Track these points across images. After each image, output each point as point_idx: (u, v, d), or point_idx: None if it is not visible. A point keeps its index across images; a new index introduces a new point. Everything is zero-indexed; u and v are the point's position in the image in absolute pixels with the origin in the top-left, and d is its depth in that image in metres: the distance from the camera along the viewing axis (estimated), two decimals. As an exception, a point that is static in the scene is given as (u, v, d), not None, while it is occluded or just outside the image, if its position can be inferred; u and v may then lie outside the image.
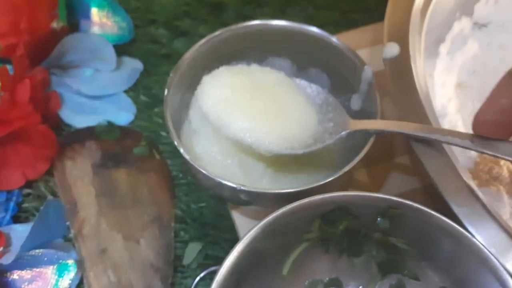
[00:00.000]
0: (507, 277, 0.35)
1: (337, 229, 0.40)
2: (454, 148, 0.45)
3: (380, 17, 0.48)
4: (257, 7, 0.63)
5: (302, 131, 0.44)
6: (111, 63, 0.55)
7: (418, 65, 0.45)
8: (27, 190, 0.51)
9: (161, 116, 0.54)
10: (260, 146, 0.42)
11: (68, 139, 0.52)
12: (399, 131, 0.40)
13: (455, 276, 0.39)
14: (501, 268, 0.35)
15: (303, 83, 0.48)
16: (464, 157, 0.46)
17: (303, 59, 0.50)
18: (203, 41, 0.47)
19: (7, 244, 0.46)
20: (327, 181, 0.41)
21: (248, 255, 0.37)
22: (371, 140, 0.42)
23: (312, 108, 0.46)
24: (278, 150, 0.42)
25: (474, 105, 0.50)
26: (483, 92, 0.51)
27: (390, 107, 0.46)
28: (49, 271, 0.45)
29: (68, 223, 0.48)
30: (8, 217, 0.48)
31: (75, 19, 0.57)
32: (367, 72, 0.45)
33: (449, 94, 0.51)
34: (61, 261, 0.45)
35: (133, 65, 0.57)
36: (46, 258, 0.45)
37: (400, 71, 0.44)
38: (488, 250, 0.35)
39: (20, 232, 0.46)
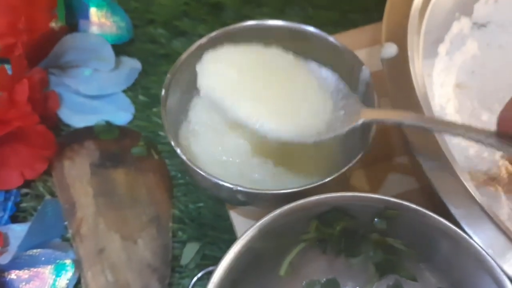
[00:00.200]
0: (504, 278, 0.35)
1: (334, 229, 0.40)
2: (453, 149, 0.45)
3: (379, 17, 0.48)
4: (256, 7, 0.63)
5: (315, 119, 0.41)
6: (110, 63, 0.55)
7: (416, 66, 0.45)
8: (25, 190, 0.51)
9: (160, 116, 0.54)
10: (268, 132, 0.39)
11: (67, 139, 0.52)
12: (418, 124, 0.38)
13: (452, 277, 0.39)
14: (498, 270, 0.35)
15: (313, 65, 0.45)
16: (462, 158, 0.45)
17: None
18: (200, 41, 0.47)
19: (5, 244, 0.46)
20: (324, 181, 0.41)
21: (244, 256, 0.37)
22: (370, 141, 0.42)
23: (326, 94, 0.43)
24: (288, 137, 0.39)
25: (473, 105, 0.50)
26: (482, 93, 0.51)
27: (388, 108, 0.45)
28: (47, 271, 0.45)
29: (66, 223, 0.48)
30: (6, 216, 0.48)
31: (74, 19, 0.57)
32: (365, 73, 0.45)
33: (448, 94, 0.50)
34: (58, 261, 0.45)
35: (132, 65, 0.57)
36: (43, 258, 0.45)
37: (398, 72, 0.44)
38: (485, 251, 0.35)
39: (18, 232, 0.46)
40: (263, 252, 0.40)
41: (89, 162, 0.51)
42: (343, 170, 0.41)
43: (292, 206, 0.38)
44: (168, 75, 0.46)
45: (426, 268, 0.40)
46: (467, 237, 0.36)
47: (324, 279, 0.43)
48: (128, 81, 0.56)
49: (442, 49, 0.53)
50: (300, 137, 0.40)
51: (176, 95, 0.47)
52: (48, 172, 0.51)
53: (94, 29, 0.57)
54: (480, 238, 0.36)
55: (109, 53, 0.55)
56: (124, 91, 0.56)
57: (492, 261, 0.35)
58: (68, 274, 0.45)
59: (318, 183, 0.41)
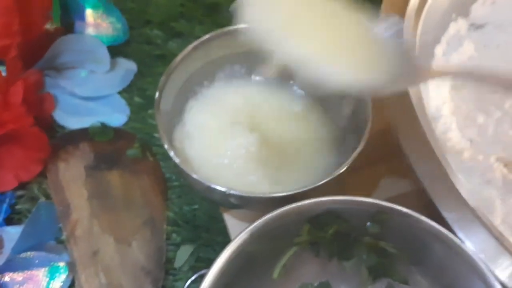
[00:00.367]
0: (496, 283, 0.34)
1: (327, 233, 0.40)
2: (447, 152, 0.45)
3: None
4: (253, 8, 0.63)
5: (374, 67, 0.35)
6: (105, 64, 0.55)
7: (411, 68, 0.45)
8: (20, 192, 0.51)
9: (155, 117, 0.54)
10: (324, 77, 0.33)
11: (62, 140, 0.52)
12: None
13: (444, 281, 0.39)
14: (489, 274, 0.35)
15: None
16: (457, 161, 0.45)
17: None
18: (194, 44, 0.47)
19: (-1, 246, 0.46)
20: (317, 185, 0.41)
21: (237, 259, 0.37)
22: (362, 143, 0.42)
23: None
24: (345, 83, 0.33)
25: (469, 107, 0.50)
26: (479, 95, 0.51)
27: (382, 111, 0.45)
28: (41, 274, 0.45)
29: (60, 225, 0.48)
30: (0, 219, 0.48)
31: (70, 20, 0.57)
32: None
33: (444, 96, 0.50)
34: (52, 263, 0.45)
35: (127, 67, 0.57)
36: (37, 261, 0.45)
37: (392, 74, 0.43)
38: (477, 256, 0.35)
39: (12, 234, 0.46)
40: (256, 255, 0.40)
41: (84, 164, 0.51)
42: (336, 173, 0.41)
43: (284, 210, 0.38)
44: (163, 77, 0.46)
45: (418, 271, 0.40)
46: (458, 241, 0.36)
47: (317, 282, 0.43)
48: (124, 82, 0.56)
49: (439, 50, 0.52)
50: (359, 85, 0.34)
51: (171, 97, 0.47)
52: (43, 174, 0.51)
53: (90, 30, 0.57)
54: (472, 242, 0.36)
55: (104, 54, 0.55)
56: (120, 93, 0.56)
57: (483, 266, 0.35)
58: (61, 277, 0.45)
59: (311, 187, 0.41)
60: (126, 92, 0.56)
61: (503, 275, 0.35)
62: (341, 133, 0.49)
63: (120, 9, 0.59)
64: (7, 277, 0.44)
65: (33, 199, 0.50)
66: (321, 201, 0.38)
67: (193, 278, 0.46)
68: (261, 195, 0.41)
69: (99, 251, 0.46)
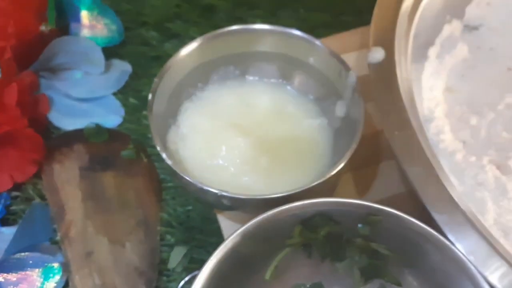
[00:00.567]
0: (485, 285, 0.35)
1: (319, 234, 0.40)
2: (439, 154, 0.45)
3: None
4: (249, 9, 0.63)
5: None
6: (100, 66, 0.55)
7: (404, 70, 0.45)
8: (15, 193, 0.51)
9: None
10: None
11: (57, 142, 0.53)
12: None
13: (435, 283, 0.39)
14: (479, 276, 0.35)
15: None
16: (449, 163, 0.45)
17: (289, 64, 0.50)
18: (188, 46, 0.48)
19: (-7, 247, 0.46)
20: (310, 186, 0.41)
21: (229, 260, 0.38)
22: (354, 146, 0.42)
23: None
24: None
25: (462, 109, 0.50)
26: (472, 97, 0.51)
27: (375, 113, 0.45)
28: (35, 274, 0.45)
29: (55, 226, 0.48)
30: (-5, 220, 0.48)
31: (65, 22, 0.57)
32: (351, 77, 0.45)
33: (437, 98, 0.50)
34: (46, 264, 0.46)
35: (122, 68, 0.57)
36: (31, 261, 0.45)
37: (384, 76, 0.44)
38: (466, 258, 0.35)
39: (6, 235, 0.46)
40: (249, 256, 0.40)
41: (79, 165, 0.51)
42: (328, 175, 0.41)
43: (275, 212, 0.38)
44: (156, 79, 0.46)
45: (410, 272, 0.40)
46: (448, 243, 0.36)
47: (310, 284, 0.43)
48: (119, 84, 0.56)
49: (432, 52, 0.53)
50: None
51: (165, 99, 0.47)
52: (38, 175, 0.51)
53: (85, 32, 0.57)
54: (462, 244, 0.36)
55: (99, 56, 0.55)
56: (115, 94, 0.56)
57: (473, 268, 0.35)
58: (55, 278, 0.45)
59: (304, 188, 0.41)
60: (121, 93, 0.57)
61: (493, 277, 0.36)
62: (336, 134, 0.49)
63: (116, 10, 0.59)
64: (1, 278, 0.45)
65: (28, 200, 0.51)
66: (312, 203, 0.38)
67: (186, 279, 0.46)
68: (253, 197, 0.41)
69: (93, 252, 0.47)
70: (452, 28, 0.54)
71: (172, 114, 0.49)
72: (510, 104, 0.50)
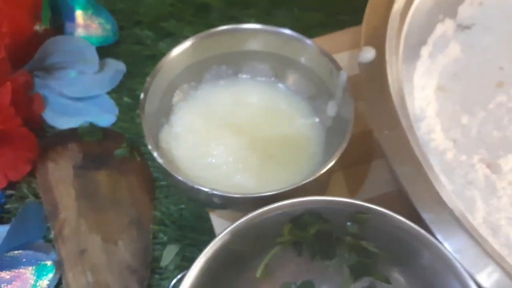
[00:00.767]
0: (471, 283, 0.35)
1: (308, 232, 0.40)
2: (430, 153, 0.45)
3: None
4: (243, 9, 0.63)
5: None
6: (94, 65, 0.55)
7: (394, 70, 0.45)
8: (10, 192, 0.51)
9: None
10: None
11: (51, 141, 0.53)
12: None
13: (424, 281, 0.39)
14: (466, 274, 0.35)
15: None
16: (439, 162, 0.46)
17: (281, 63, 0.50)
18: (180, 46, 0.48)
19: (-13, 245, 0.46)
20: (300, 185, 0.41)
21: (219, 259, 0.38)
22: (343, 145, 0.42)
23: None
24: None
25: (454, 108, 0.50)
26: (464, 96, 0.51)
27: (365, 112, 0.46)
28: (28, 272, 0.46)
29: (49, 224, 0.49)
30: (-11, 218, 0.49)
31: (60, 22, 0.58)
32: (342, 77, 0.46)
33: (429, 97, 0.50)
34: (40, 262, 0.46)
35: (116, 67, 0.57)
36: (25, 259, 0.46)
37: (375, 76, 0.44)
38: (453, 256, 0.36)
39: (0, 233, 0.47)
40: (239, 254, 0.40)
41: (73, 164, 0.51)
42: (318, 174, 0.42)
43: (264, 210, 0.38)
44: (148, 79, 0.46)
45: (399, 270, 0.41)
46: (436, 241, 0.36)
47: (300, 281, 0.43)
48: (113, 83, 0.56)
49: (425, 51, 0.53)
50: None
51: (157, 98, 0.48)
52: (32, 174, 0.52)
53: (80, 31, 0.58)
54: (449, 243, 0.36)
55: (93, 55, 0.55)
56: (109, 93, 0.56)
57: (459, 266, 0.35)
58: (49, 275, 0.46)
59: (294, 187, 0.41)
60: (116, 93, 0.57)
61: (480, 276, 0.36)
62: (327, 133, 0.49)
63: (110, 9, 0.60)
64: (-6, 276, 0.45)
65: (23, 199, 0.51)
66: (301, 201, 0.38)
67: (178, 277, 0.46)
68: (243, 195, 0.41)
69: (87, 250, 0.47)
70: (445, 27, 0.55)
71: (165, 113, 0.49)
72: (501, 103, 0.50)
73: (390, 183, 0.49)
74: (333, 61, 0.47)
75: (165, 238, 0.49)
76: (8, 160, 0.50)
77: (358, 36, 0.59)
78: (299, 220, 0.40)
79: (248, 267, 0.41)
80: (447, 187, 0.43)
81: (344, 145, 0.42)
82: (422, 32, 0.53)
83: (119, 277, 0.46)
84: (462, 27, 0.56)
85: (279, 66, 0.51)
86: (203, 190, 0.41)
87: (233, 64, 0.51)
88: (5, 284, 0.45)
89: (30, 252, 0.46)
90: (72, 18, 0.58)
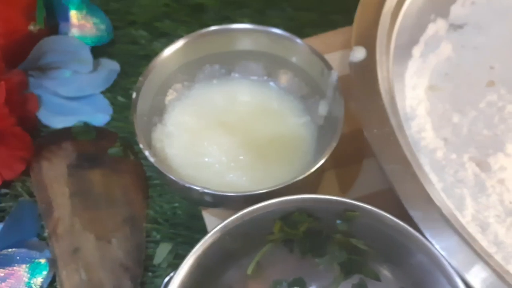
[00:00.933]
0: (458, 279, 0.35)
1: (299, 230, 0.41)
2: (420, 151, 0.46)
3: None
4: (237, 8, 0.64)
5: None
6: (88, 65, 0.56)
7: (385, 69, 0.45)
8: (4, 190, 0.52)
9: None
10: None
11: (45, 140, 0.53)
12: None
13: (413, 278, 0.40)
14: (452, 272, 0.36)
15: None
16: (430, 161, 0.46)
17: (273, 62, 0.51)
18: (173, 45, 0.48)
19: (-19, 243, 0.47)
20: (290, 183, 0.42)
21: (210, 256, 0.38)
22: (333, 144, 0.43)
23: None
24: None
25: (445, 107, 0.51)
26: (455, 95, 0.52)
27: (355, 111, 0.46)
28: (22, 270, 0.46)
29: (43, 222, 0.49)
30: (-16, 217, 0.49)
31: (54, 22, 0.58)
32: (333, 76, 0.46)
33: (420, 96, 0.51)
34: (33, 260, 0.46)
35: (111, 67, 0.57)
36: (18, 257, 0.46)
37: (365, 76, 0.44)
38: (441, 254, 0.36)
39: (-6, 231, 0.47)
40: (230, 252, 0.41)
41: (67, 163, 0.52)
42: (308, 172, 0.42)
43: (253, 208, 0.39)
44: (140, 78, 0.47)
45: (389, 268, 0.41)
46: (424, 239, 0.37)
47: (291, 279, 0.43)
48: (107, 82, 0.57)
49: (416, 51, 0.53)
50: None
51: (150, 97, 0.48)
52: (26, 173, 0.52)
53: (74, 31, 0.58)
54: (437, 240, 0.37)
55: (87, 55, 0.56)
56: (104, 93, 0.57)
57: (447, 264, 0.36)
58: (43, 273, 0.46)
59: (284, 185, 0.42)
60: (110, 92, 0.57)
61: (468, 274, 0.36)
62: (319, 132, 0.50)
63: (105, 9, 0.60)
64: (-12, 274, 0.46)
65: (17, 197, 0.51)
66: (290, 200, 0.39)
67: (171, 274, 0.46)
68: (235, 194, 0.42)
69: (80, 248, 0.47)
70: (437, 27, 0.55)
71: (158, 112, 0.50)
72: (492, 102, 0.50)
73: (381, 181, 0.49)
74: (324, 61, 0.47)
75: (158, 236, 0.49)
76: (2, 159, 0.50)
77: (350, 36, 0.59)
78: (289, 218, 0.40)
79: (239, 265, 0.42)
80: (436, 185, 0.43)
81: (334, 144, 0.43)
82: (414, 32, 0.53)
83: (112, 275, 0.46)
84: (455, 27, 0.56)
85: (271, 66, 0.51)
86: (195, 189, 0.42)
87: (225, 63, 0.52)
88: (-1, 281, 0.45)
89: (24, 250, 0.46)
90: (66, 18, 0.58)
